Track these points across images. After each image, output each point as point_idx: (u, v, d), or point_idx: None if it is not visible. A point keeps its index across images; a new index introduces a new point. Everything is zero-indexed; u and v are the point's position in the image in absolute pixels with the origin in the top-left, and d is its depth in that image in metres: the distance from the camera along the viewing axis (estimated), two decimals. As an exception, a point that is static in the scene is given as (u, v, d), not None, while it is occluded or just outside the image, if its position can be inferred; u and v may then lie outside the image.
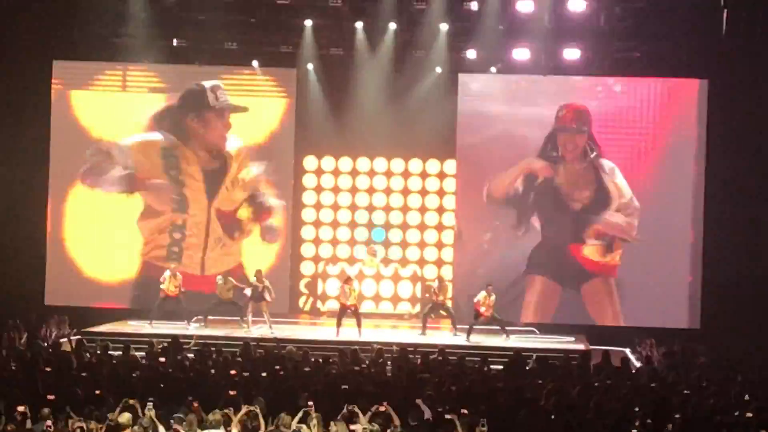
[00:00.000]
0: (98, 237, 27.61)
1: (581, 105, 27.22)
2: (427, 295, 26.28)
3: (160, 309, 25.18)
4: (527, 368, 19.33)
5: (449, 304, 25.70)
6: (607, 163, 27.11)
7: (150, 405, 13.49)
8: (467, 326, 24.36)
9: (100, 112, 27.68)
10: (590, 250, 27.05)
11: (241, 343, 20.57)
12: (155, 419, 13.29)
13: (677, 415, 14.50)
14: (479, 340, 24.22)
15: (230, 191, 27.81)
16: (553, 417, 14.53)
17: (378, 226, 28.25)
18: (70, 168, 27.64)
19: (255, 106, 27.83)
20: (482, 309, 24.47)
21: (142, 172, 27.65)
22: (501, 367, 19.40)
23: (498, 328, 24.73)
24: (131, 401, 13.90)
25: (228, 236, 27.81)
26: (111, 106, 27.69)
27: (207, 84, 27.64)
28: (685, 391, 16.45)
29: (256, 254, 27.58)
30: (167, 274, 25.39)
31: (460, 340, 24.04)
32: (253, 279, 25.03)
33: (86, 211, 27.64)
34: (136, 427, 13.13)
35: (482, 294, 24.52)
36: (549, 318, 26.93)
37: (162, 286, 25.18)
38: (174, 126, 27.74)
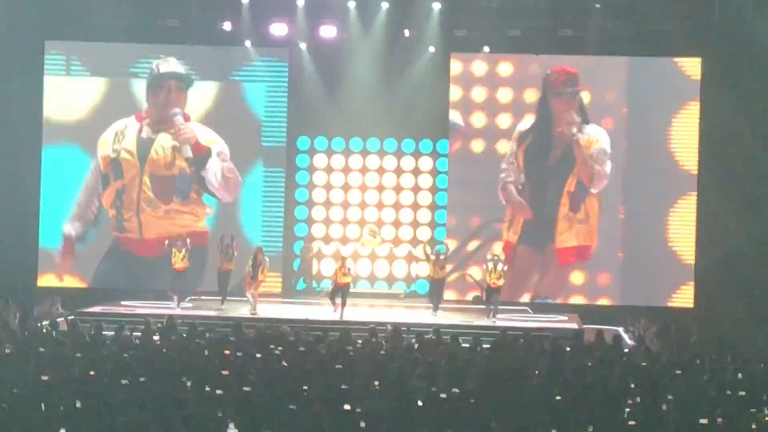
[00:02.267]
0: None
1: (572, 68, 27.20)
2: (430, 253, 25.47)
3: (179, 286, 25.09)
4: (520, 347, 19.36)
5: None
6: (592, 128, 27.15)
7: None
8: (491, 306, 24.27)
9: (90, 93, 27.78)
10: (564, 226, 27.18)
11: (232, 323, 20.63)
12: None
13: (670, 396, 14.55)
14: (471, 319, 24.25)
15: (162, 156, 27.65)
16: (546, 396, 14.57)
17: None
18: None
19: (247, 86, 27.81)
20: (492, 282, 24.17)
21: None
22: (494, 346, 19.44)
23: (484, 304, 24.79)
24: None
25: (161, 200, 27.67)
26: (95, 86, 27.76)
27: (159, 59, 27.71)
28: (677, 371, 16.51)
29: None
30: (171, 247, 25.13)
31: (453, 319, 24.06)
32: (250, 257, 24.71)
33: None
34: None
35: (489, 266, 24.37)
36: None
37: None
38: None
